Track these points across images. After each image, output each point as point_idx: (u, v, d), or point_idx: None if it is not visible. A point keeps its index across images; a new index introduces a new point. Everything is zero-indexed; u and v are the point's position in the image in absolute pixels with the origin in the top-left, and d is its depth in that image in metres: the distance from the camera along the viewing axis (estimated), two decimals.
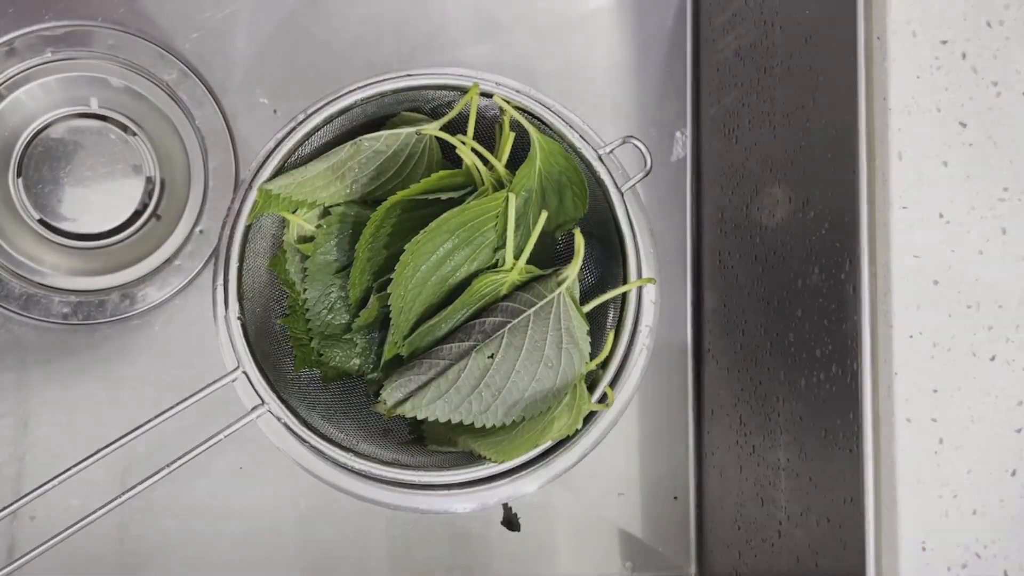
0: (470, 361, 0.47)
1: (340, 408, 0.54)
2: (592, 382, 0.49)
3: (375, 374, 0.53)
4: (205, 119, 0.65)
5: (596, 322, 0.52)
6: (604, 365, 0.49)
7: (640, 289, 0.50)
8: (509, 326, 0.47)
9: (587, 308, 0.49)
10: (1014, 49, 0.46)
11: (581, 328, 0.47)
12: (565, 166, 0.50)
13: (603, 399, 0.48)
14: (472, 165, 0.50)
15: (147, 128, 0.66)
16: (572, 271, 0.48)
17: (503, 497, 0.48)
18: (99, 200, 0.65)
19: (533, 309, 0.47)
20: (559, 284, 0.48)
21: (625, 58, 0.69)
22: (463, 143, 0.49)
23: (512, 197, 0.48)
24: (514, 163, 0.50)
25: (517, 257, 0.49)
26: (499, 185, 0.50)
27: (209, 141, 0.65)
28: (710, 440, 0.66)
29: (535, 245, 0.49)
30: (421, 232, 0.47)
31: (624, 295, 0.50)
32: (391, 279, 0.48)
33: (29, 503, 0.46)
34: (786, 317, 0.54)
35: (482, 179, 0.50)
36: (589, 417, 0.48)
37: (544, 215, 0.49)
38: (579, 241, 0.49)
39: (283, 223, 0.53)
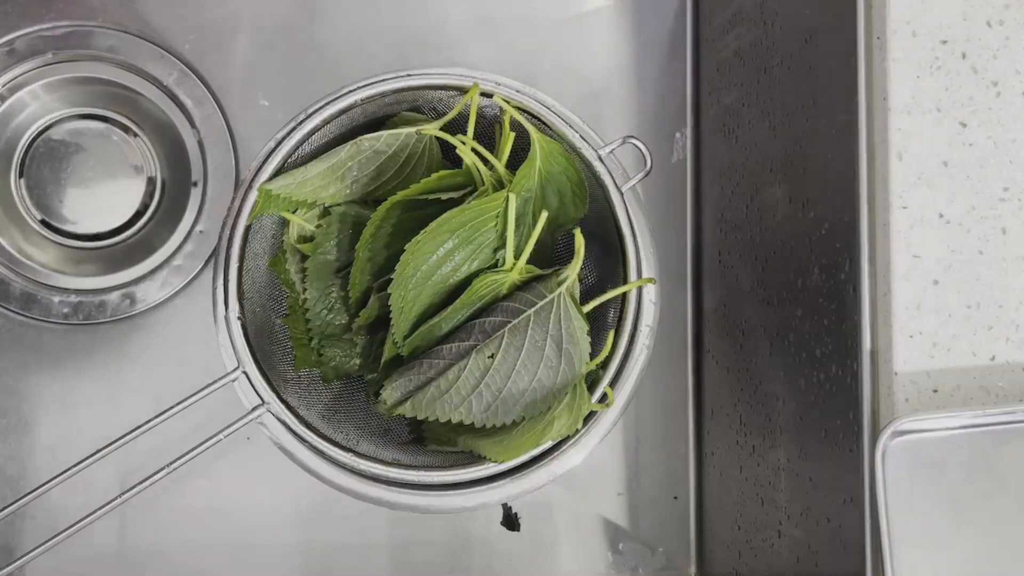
0: (470, 361, 0.47)
1: (340, 408, 0.54)
2: (592, 382, 0.49)
3: (375, 374, 0.53)
4: (205, 119, 0.65)
5: (596, 322, 0.52)
6: (604, 365, 0.49)
7: (640, 289, 0.50)
8: (509, 326, 0.47)
9: (587, 308, 0.49)
10: (1014, 49, 0.46)
11: (581, 328, 0.47)
12: (565, 166, 0.50)
13: (603, 399, 0.48)
14: (472, 165, 0.50)
15: (148, 129, 0.66)
16: (572, 271, 0.48)
17: (504, 497, 0.48)
18: (100, 200, 0.65)
19: (533, 309, 0.47)
20: (559, 284, 0.48)
21: (625, 58, 0.69)
22: (463, 143, 0.49)
23: (512, 197, 0.48)
24: (514, 163, 0.50)
25: (517, 257, 0.49)
26: (499, 185, 0.50)
27: (209, 141, 0.65)
28: (710, 440, 0.66)
29: (535, 245, 0.49)
30: (421, 232, 0.47)
31: (624, 295, 0.50)
32: (391, 279, 0.48)
33: (29, 503, 0.46)
34: (786, 317, 0.54)
35: (482, 179, 0.50)
36: (589, 417, 0.48)
37: (544, 215, 0.49)
38: (579, 241, 0.49)
39: (283, 223, 0.53)
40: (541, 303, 0.47)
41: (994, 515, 0.44)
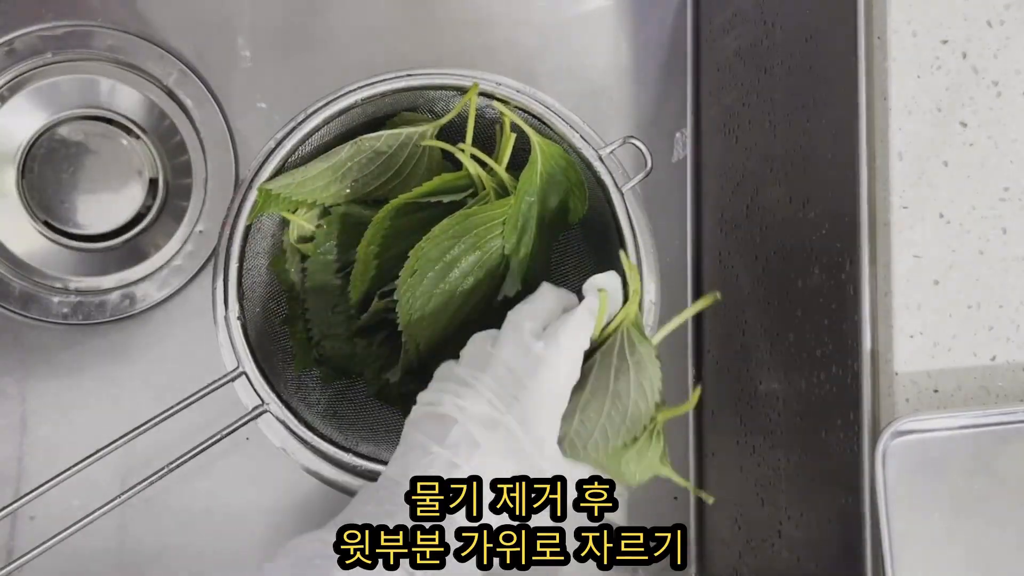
0: None
1: (340, 408, 0.54)
2: None
3: (374, 375, 0.52)
4: (205, 119, 0.65)
5: None
6: None
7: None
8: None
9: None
10: (1014, 49, 0.46)
11: (651, 359, 0.42)
12: (565, 167, 0.50)
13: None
14: (474, 172, 0.49)
15: (148, 129, 0.66)
16: (633, 305, 0.44)
17: None
18: (101, 201, 0.65)
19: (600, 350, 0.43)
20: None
21: (625, 58, 0.69)
22: (463, 151, 0.49)
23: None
24: (514, 160, 0.50)
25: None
26: (500, 189, 0.50)
27: (209, 141, 0.65)
28: (710, 440, 0.66)
29: (536, 243, 0.49)
30: (424, 239, 0.47)
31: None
32: (394, 283, 0.47)
33: (29, 503, 0.46)
34: (786, 317, 0.54)
35: (482, 184, 0.50)
36: None
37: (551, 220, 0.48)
38: (632, 273, 0.44)
39: (283, 223, 0.53)
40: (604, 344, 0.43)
41: (994, 515, 0.44)
